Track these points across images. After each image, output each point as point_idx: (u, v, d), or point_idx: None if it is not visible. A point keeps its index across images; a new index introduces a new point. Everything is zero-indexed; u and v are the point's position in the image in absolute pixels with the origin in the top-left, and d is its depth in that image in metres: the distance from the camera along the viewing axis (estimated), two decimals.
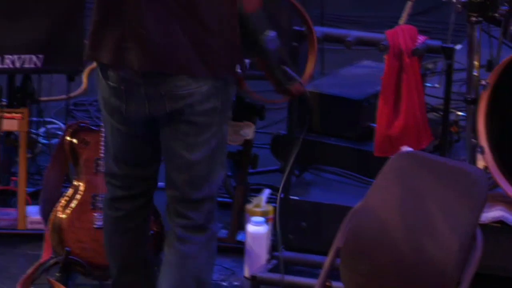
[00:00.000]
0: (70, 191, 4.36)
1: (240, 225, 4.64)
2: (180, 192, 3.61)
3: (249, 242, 4.39)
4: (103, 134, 4.22)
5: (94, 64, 3.90)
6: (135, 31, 3.46)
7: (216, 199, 3.77)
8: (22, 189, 4.76)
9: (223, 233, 4.70)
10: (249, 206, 4.52)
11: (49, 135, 5.28)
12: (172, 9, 3.47)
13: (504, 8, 4.70)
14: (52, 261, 4.34)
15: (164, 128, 3.60)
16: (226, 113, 3.61)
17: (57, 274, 4.37)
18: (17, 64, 4.58)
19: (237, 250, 4.52)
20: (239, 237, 4.62)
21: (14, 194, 4.86)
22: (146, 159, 3.79)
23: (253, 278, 4.27)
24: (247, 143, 4.75)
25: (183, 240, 3.69)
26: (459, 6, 4.67)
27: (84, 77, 5.29)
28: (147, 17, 3.46)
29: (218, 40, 3.51)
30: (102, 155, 4.37)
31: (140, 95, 3.50)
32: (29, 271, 4.29)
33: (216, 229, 3.77)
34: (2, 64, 4.60)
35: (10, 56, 4.56)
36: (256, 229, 4.38)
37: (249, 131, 4.73)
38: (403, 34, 4.50)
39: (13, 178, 4.99)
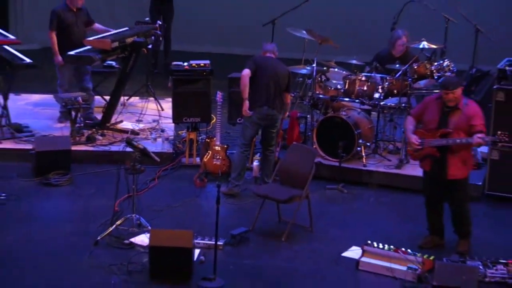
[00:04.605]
0: (207, 153, 10.16)
1: (251, 162, 10.42)
2: (270, 142, 9.75)
3: (254, 167, 10.24)
4: (217, 137, 10.23)
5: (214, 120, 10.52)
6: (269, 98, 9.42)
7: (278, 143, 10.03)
8: (194, 153, 10.71)
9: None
10: (255, 157, 10.40)
11: (202, 139, 10.77)
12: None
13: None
14: (204, 171, 10.05)
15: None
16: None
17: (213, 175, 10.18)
18: (192, 120, 10.94)
19: (250, 169, 10.27)
20: (251, 165, 10.36)
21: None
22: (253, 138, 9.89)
23: (255, 178, 10.15)
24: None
25: (268, 153, 9.89)
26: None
27: (212, 121, 11.18)
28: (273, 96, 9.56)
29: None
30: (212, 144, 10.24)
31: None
32: (197, 174, 9.97)
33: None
34: (187, 120, 10.91)
35: (190, 118, 10.93)
36: (256, 163, 10.20)
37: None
38: (294, 113, 11.09)
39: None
